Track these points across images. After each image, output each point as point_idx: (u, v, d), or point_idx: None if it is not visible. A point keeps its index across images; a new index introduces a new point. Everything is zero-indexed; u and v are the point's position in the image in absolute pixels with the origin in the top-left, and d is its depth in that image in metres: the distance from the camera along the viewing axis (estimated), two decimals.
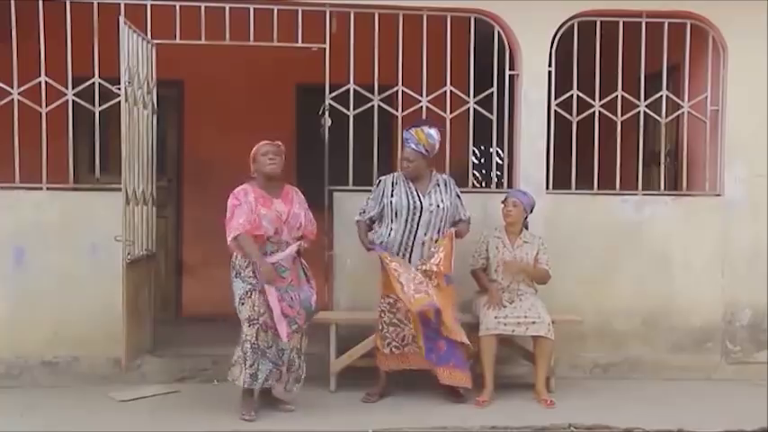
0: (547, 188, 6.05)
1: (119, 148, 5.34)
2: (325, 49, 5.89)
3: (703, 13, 6.11)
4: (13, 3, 5.64)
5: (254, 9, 5.77)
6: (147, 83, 5.76)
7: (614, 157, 6.15)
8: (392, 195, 5.28)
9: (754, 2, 6.05)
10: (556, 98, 6.03)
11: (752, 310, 6.20)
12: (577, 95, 6.06)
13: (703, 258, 6.17)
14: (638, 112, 6.16)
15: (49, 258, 5.64)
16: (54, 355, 5.68)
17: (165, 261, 7.34)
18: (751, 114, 6.14)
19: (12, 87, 5.65)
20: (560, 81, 6.04)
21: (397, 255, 5.22)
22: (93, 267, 5.63)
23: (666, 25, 6.11)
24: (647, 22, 6.11)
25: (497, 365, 5.43)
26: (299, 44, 5.85)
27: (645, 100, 6.14)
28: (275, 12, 5.75)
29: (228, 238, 4.81)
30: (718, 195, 6.21)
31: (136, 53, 5.52)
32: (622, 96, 6.09)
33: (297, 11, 5.82)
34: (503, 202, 5.59)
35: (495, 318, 5.33)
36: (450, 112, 6.03)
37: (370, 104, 5.97)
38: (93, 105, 5.73)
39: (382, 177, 5.44)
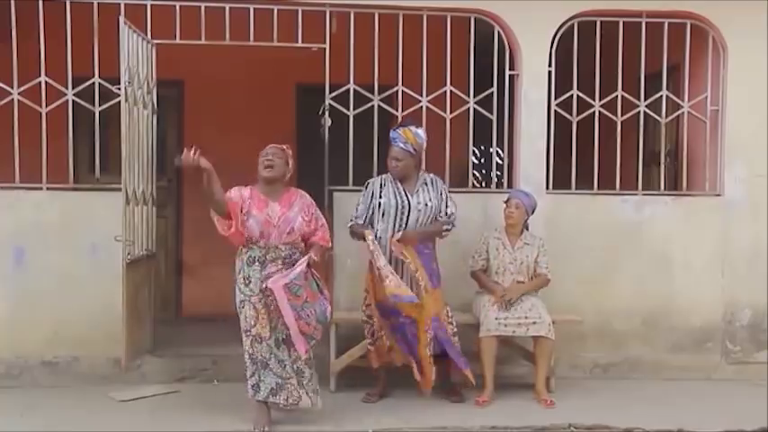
0: (547, 188, 6.05)
1: (119, 148, 5.35)
2: (325, 49, 5.89)
3: (703, 13, 6.11)
4: (13, 3, 5.64)
5: (254, 9, 5.77)
6: (147, 83, 5.76)
7: (614, 157, 6.15)
8: (380, 196, 5.28)
9: (754, 2, 6.05)
10: (556, 98, 6.03)
11: (752, 310, 6.20)
12: (577, 95, 6.06)
13: (703, 258, 6.17)
14: (638, 112, 6.16)
15: (49, 258, 5.64)
16: (54, 355, 5.68)
17: (165, 261, 7.35)
18: (751, 114, 6.14)
19: (12, 87, 5.65)
20: (560, 81, 6.04)
21: (385, 255, 5.15)
22: (93, 267, 5.63)
23: (666, 25, 6.12)
24: (647, 22, 6.11)
25: (497, 365, 5.43)
26: (299, 44, 5.85)
27: (645, 100, 6.14)
28: (275, 12, 5.75)
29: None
30: (718, 195, 6.22)
31: (136, 53, 5.52)
32: (622, 96, 6.09)
33: (297, 11, 5.82)
34: (505, 203, 5.58)
35: (496, 319, 5.33)
36: (451, 112, 6.03)
37: (370, 104, 5.97)
38: (93, 105, 5.73)
39: (370, 180, 5.42)
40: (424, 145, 5.37)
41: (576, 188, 6.10)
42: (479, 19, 6.05)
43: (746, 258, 6.17)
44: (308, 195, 4.93)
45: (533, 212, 5.63)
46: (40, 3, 5.64)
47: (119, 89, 5.36)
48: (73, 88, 5.69)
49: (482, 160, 9.30)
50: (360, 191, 5.65)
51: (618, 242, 6.10)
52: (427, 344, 5.16)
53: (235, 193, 4.71)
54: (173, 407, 5.23)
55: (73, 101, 5.70)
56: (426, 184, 5.33)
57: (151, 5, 5.74)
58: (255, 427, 4.72)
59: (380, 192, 5.30)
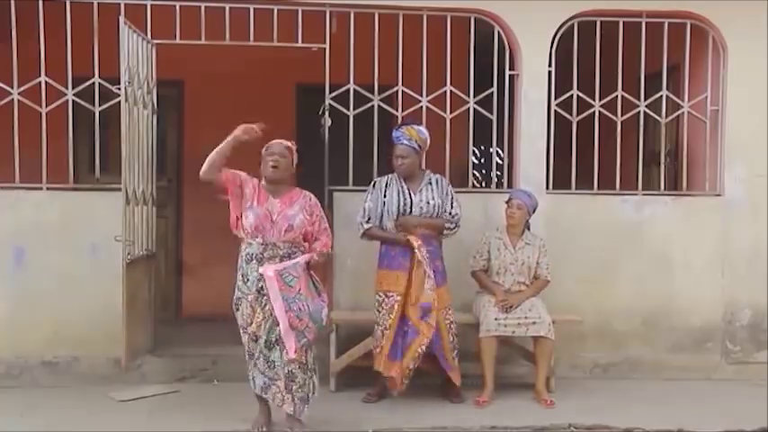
0: (547, 188, 6.05)
1: (119, 148, 5.35)
2: (325, 49, 5.89)
3: (703, 13, 6.11)
4: (13, 3, 5.64)
5: (254, 9, 5.77)
6: (147, 83, 5.76)
7: (614, 157, 6.15)
8: (385, 196, 5.32)
9: (754, 2, 6.05)
10: (556, 98, 6.03)
11: (752, 310, 6.19)
12: (577, 95, 6.06)
13: (703, 258, 6.17)
14: (638, 112, 6.16)
15: (49, 258, 5.64)
16: (54, 355, 5.68)
17: (165, 261, 7.34)
18: (751, 114, 6.14)
19: (12, 87, 5.65)
20: (560, 81, 6.04)
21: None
22: (93, 267, 5.63)
23: (666, 25, 6.12)
24: (647, 22, 6.11)
25: (497, 365, 5.43)
26: (299, 44, 5.85)
27: (645, 100, 6.14)
28: (275, 12, 5.75)
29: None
30: (718, 195, 6.21)
31: (136, 53, 5.52)
32: (622, 96, 6.09)
33: (297, 11, 5.82)
34: (506, 203, 5.58)
35: (496, 319, 5.33)
36: (451, 112, 6.03)
37: (370, 104, 5.97)
38: (93, 105, 5.73)
39: (377, 179, 5.46)
40: (428, 141, 5.41)
41: (576, 188, 6.10)
42: (479, 19, 6.05)
43: (746, 258, 6.17)
44: (314, 197, 4.81)
45: (534, 212, 5.63)
46: (40, 3, 5.64)
47: (119, 89, 5.37)
48: (73, 88, 5.69)
49: (482, 160, 9.31)
50: (360, 191, 5.66)
51: (618, 242, 6.10)
52: (447, 330, 5.24)
53: (235, 174, 4.69)
54: (173, 407, 5.23)
55: (73, 101, 5.70)
56: (431, 183, 5.35)
57: (151, 5, 5.74)
58: (254, 426, 4.72)
59: (385, 191, 5.33)
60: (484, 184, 9.00)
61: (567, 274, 5.88)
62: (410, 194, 5.29)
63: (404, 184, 5.33)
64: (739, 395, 5.75)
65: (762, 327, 6.20)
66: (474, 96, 6.08)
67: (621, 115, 6.11)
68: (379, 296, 5.29)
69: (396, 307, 5.20)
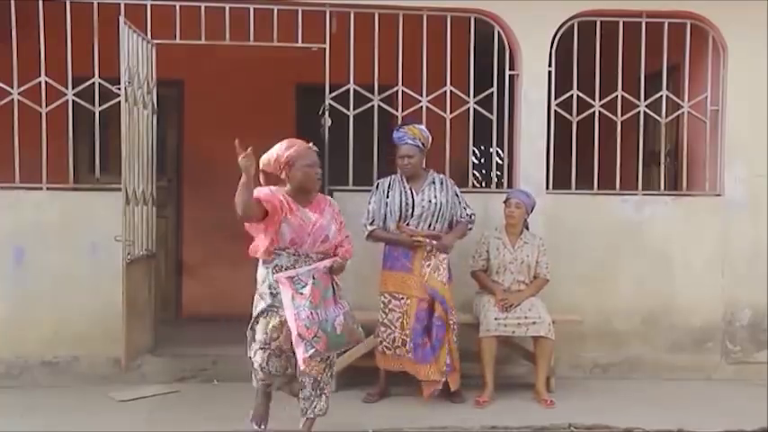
0: (547, 188, 6.05)
1: (119, 148, 5.35)
2: (325, 49, 5.89)
3: (703, 13, 6.10)
4: (13, 3, 5.64)
5: (254, 9, 5.77)
6: (147, 83, 5.76)
7: (614, 157, 6.15)
8: (387, 197, 5.35)
9: (754, 2, 6.05)
10: (556, 98, 6.03)
11: (752, 310, 6.19)
12: (577, 95, 6.06)
13: (703, 258, 6.17)
14: (638, 112, 6.16)
15: (49, 258, 5.64)
16: (54, 354, 5.68)
17: (165, 261, 7.34)
18: (751, 114, 6.14)
19: (12, 87, 5.65)
20: (560, 81, 6.04)
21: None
22: (93, 267, 5.63)
23: (666, 25, 6.11)
24: (647, 22, 6.11)
25: (497, 365, 5.44)
26: (299, 44, 5.85)
27: (645, 100, 6.14)
28: (275, 12, 5.75)
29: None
30: (718, 195, 6.21)
31: (136, 53, 5.52)
32: (622, 96, 6.09)
33: (297, 11, 5.81)
34: (505, 203, 5.59)
35: (496, 319, 5.33)
36: (451, 112, 6.03)
37: (370, 104, 5.97)
38: (93, 105, 5.73)
39: (379, 180, 5.49)
40: (430, 140, 5.44)
41: (576, 188, 6.10)
42: (479, 19, 6.05)
43: (746, 258, 6.17)
44: (335, 202, 4.57)
45: (532, 211, 5.64)
46: (40, 3, 5.63)
47: (119, 89, 5.37)
48: (73, 88, 5.69)
49: (482, 160, 9.31)
50: (360, 191, 5.67)
51: (618, 242, 6.10)
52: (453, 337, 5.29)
53: (270, 195, 4.24)
54: (173, 407, 5.23)
55: (73, 101, 5.70)
56: (434, 183, 5.38)
57: (151, 5, 5.74)
58: (254, 420, 4.56)
59: (388, 192, 5.37)
60: (484, 184, 9.00)
61: (567, 274, 5.88)
62: (412, 194, 5.32)
63: (406, 183, 5.35)
64: (739, 395, 5.75)
65: (762, 327, 6.20)
66: (474, 96, 6.08)
67: (621, 115, 6.11)
68: (385, 297, 5.30)
69: (409, 311, 5.21)
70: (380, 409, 5.23)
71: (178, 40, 5.75)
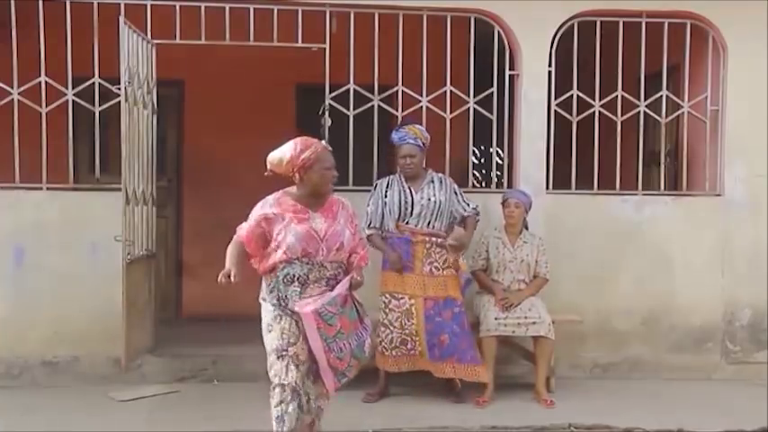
0: (547, 188, 6.05)
1: (119, 148, 5.35)
2: (325, 49, 5.89)
3: (703, 13, 6.11)
4: (12, 3, 5.64)
5: (254, 9, 5.77)
6: (147, 83, 5.76)
7: (614, 157, 6.15)
8: (386, 196, 5.38)
9: (754, 2, 6.05)
10: (556, 98, 6.03)
11: (752, 310, 6.19)
12: (577, 95, 6.06)
13: (703, 258, 6.17)
14: (638, 112, 6.16)
15: (48, 258, 5.64)
16: (54, 354, 5.68)
17: (165, 261, 7.34)
18: (751, 114, 6.14)
19: (12, 87, 5.64)
20: (560, 81, 6.04)
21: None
22: (92, 267, 5.63)
23: (666, 25, 6.11)
24: (647, 22, 6.11)
25: (497, 365, 5.44)
26: (299, 44, 5.85)
27: (645, 100, 6.14)
28: (275, 12, 5.75)
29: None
30: (718, 195, 6.21)
31: (136, 53, 5.52)
32: (622, 96, 6.09)
33: (297, 11, 5.81)
34: (503, 204, 5.60)
35: (496, 319, 5.33)
36: (451, 112, 6.03)
37: (370, 104, 5.97)
38: (93, 105, 5.73)
39: (378, 181, 5.51)
40: (429, 138, 5.47)
41: (576, 188, 6.10)
42: (479, 19, 6.05)
43: (746, 258, 6.17)
44: (349, 204, 4.12)
45: (529, 210, 5.65)
46: (40, 3, 5.63)
47: (119, 89, 5.36)
48: (73, 88, 5.69)
49: (482, 160, 9.31)
50: (360, 191, 5.66)
51: (618, 242, 6.10)
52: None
53: (253, 229, 3.89)
54: (173, 407, 5.23)
55: (73, 101, 5.70)
56: (433, 181, 5.41)
57: (151, 5, 5.74)
58: None
59: (386, 192, 5.39)
60: (484, 184, 9.00)
61: (568, 274, 5.88)
62: (411, 193, 5.34)
63: (405, 183, 5.36)
64: (739, 395, 5.75)
65: (762, 327, 6.20)
66: (474, 96, 6.08)
67: (621, 115, 6.11)
68: (386, 297, 5.31)
69: (413, 310, 5.22)
70: (380, 409, 5.23)
71: (178, 40, 5.75)
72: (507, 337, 5.49)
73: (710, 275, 6.16)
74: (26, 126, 5.68)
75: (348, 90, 5.93)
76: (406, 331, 5.23)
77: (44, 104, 5.66)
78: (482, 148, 8.90)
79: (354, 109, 5.95)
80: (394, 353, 5.28)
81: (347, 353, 3.85)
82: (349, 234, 3.96)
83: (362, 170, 5.94)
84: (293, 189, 3.94)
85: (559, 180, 6.09)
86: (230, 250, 3.97)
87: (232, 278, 3.81)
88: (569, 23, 6.00)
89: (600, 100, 6.09)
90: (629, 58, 6.11)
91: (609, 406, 5.35)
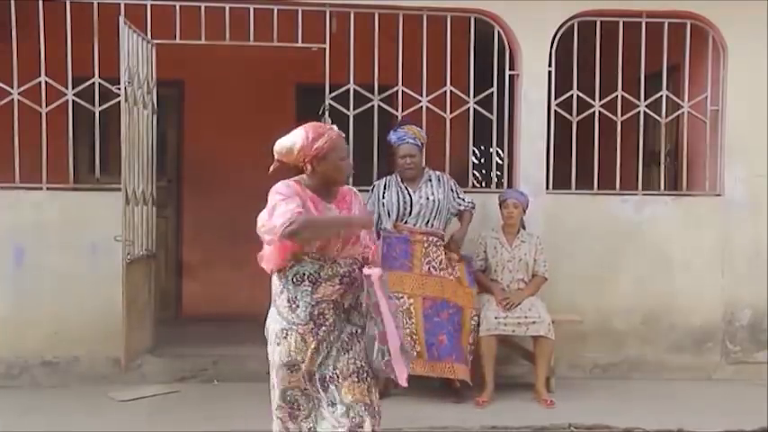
0: (547, 188, 6.05)
1: (119, 148, 5.35)
2: (325, 49, 5.89)
3: (703, 13, 6.10)
4: (12, 3, 5.64)
5: (254, 9, 5.77)
6: (147, 83, 5.76)
7: (614, 157, 6.15)
8: (383, 197, 5.41)
9: (754, 2, 6.05)
10: (556, 98, 6.03)
11: (752, 310, 6.19)
12: (577, 95, 6.06)
13: (703, 258, 6.17)
14: (638, 112, 6.16)
15: (48, 258, 5.64)
16: (54, 354, 5.68)
17: (165, 261, 7.34)
18: (751, 114, 6.14)
19: (12, 87, 5.65)
20: (560, 81, 6.04)
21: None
22: (92, 267, 5.63)
23: (666, 25, 6.11)
24: (647, 22, 6.11)
25: (497, 365, 5.44)
26: (299, 44, 5.85)
27: (645, 100, 6.14)
28: (275, 12, 5.75)
29: (278, 235, 3.26)
30: (718, 195, 6.21)
31: (136, 53, 5.52)
32: (622, 96, 6.09)
33: (297, 11, 5.81)
34: (501, 204, 5.60)
35: (495, 318, 5.33)
36: (451, 112, 6.03)
37: (370, 104, 5.97)
38: (93, 105, 5.73)
39: (376, 182, 5.55)
40: (426, 138, 5.52)
41: (576, 188, 6.10)
42: (479, 19, 6.05)
43: (746, 258, 6.17)
44: (358, 193, 3.74)
45: (527, 209, 5.67)
46: (40, 3, 5.64)
47: (119, 89, 5.36)
48: (73, 88, 5.69)
49: (482, 160, 9.30)
50: (360, 191, 5.64)
51: (618, 242, 6.10)
52: (470, 331, 5.31)
53: (296, 203, 3.37)
54: (173, 407, 5.23)
55: (73, 101, 5.70)
56: (431, 180, 5.43)
57: (151, 5, 5.74)
58: None
59: (384, 192, 5.42)
60: (484, 184, 9.00)
61: (567, 274, 5.88)
62: (409, 193, 5.36)
63: (402, 183, 5.38)
64: (739, 395, 5.75)
65: (762, 327, 6.20)
66: (474, 96, 6.08)
67: (621, 115, 6.11)
68: None
69: (412, 309, 5.23)
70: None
71: (178, 40, 5.75)
72: (507, 337, 5.49)
73: (710, 275, 6.16)
74: (26, 126, 5.68)
75: (348, 90, 5.92)
76: (406, 330, 5.23)
77: (44, 104, 5.66)
78: (482, 147, 8.89)
79: (354, 109, 5.94)
80: None
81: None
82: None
83: (362, 170, 5.92)
84: (305, 178, 3.53)
85: (559, 180, 6.09)
86: (319, 223, 3.42)
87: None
88: (569, 23, 6.00)
89: (600, 100, 6.09)
90: (629, 58, 6.11)
91: (609, 406, 5.35)
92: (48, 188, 5.71)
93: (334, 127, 3.65)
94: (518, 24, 5.99)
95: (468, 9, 6.02)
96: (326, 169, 3.49)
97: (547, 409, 5.25)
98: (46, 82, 5.67)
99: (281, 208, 3.33)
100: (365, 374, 3.48)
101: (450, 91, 6.03)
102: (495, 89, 6.06)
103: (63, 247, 5.65)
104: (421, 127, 5.68)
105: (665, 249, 6.14)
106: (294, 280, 3.44)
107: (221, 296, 7.21)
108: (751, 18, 6.09)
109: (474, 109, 6.09)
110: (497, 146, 6.29)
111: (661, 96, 6.15)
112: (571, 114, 6.05)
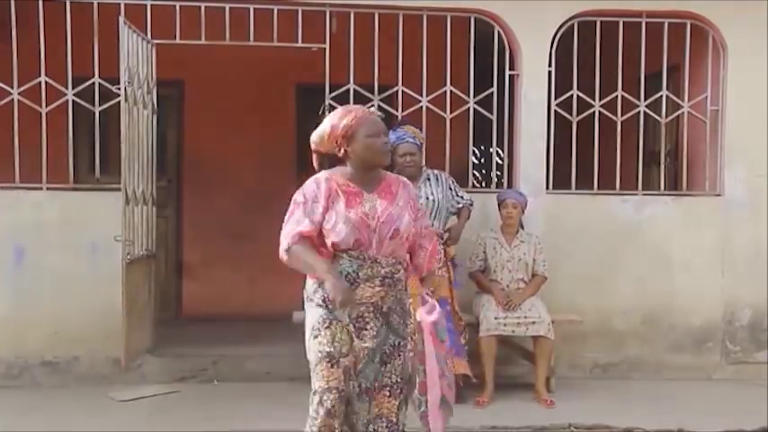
0: (547, 188, 6.05)
1: (119, 148, 5.35)
2: (325, 49, 5.89)
3: (703, 13, 6.10)
4: (12, 3, 5.64)
5: (254, 9, 5.77)
6: (147, 83, 5.76)
7: (614, 157, 6.15)
8: None
9: (754, 2, 6.05)
10: (556, 98, 6.03)
11: (752, 310, 6.19)
12: (577, 95, 6.06)
13: (703, 258, 6.17)
14: (638, 112, 6.16)
15: (48, 258, 5.64)
16: (54, 354, 5.68)
17: (165, 261, 7.34)
18: (751, 114, 6.13)
19: (12, 87, 5.64)
20: (560, 81, 6.04)
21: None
22: (92, 267, 5.62)
23: (666, 25, 6.11)
24: (647, 22, 6.11)
25: (497, 365, 5.43)
26: (299, 44, 5.85)
27: (645, 100, 6.13)
28: (275, 12, 5.75)
29: (281, 252, 3.21)
30: (718, 195, 6.21)
31: (136, 53, 5.52)
32: (622, 96, 6.09)
33: (297, 11, 5.81)
34: (500, 205, 5.60)
35: (495, 318, 5.34)
36: (451, 112, 6.03)
37: (370, 104, 5.96)
38: (93, 105, 5.73)
39: None
40: (425, 138, 5.53)
41: (576, 188, 6.10)
42: (479, 19, 6.05)
43: (746, 258, 6.17)
44: (411, 186, 3.43)
45: (525, 209, 5.66)
46: (40, 3, 5.63)
47: (119, 89, 5.36)
48: (73, 88, 5.69)
49: (482, 160, 9.31)
50: None
51: (618, 242, 6.10)
52: (462, 331, 5.33)
53: (308, 217, 3.21)
54: (173, 407, 5.22)
55: (73, 101, 5.70)
56: (429, 180, 5.42)
57: (151, 5, 5.74)
58: None
59: None
60: (484, 184, 9.00)
61: (567, 274, 5.88)
62: None
63: None
64: (739, 395, 5.75)
65: (762, 327, 6.20)
66: (474, 96, 6.08)
67: (621, 115, 6.11)
68: None
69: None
70: None
71: (178, 40, 5.75)
72: (507, 337, 5.49)
73: (710, 275, 6.16)
74: (26, 126, 5.68)
75: (348, 90, 5.92)
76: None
77: (44, 104, 5.66)
78: (482, 147, 8.90)
79: None
80: None
81: (452, 380, 3.31)
82: (408, 219, 3.26)
83: None
84: (346, 169, 3.29)
85: (559, 180, 6.09)
86: (305, 258, 3.17)
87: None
88: (569, 23, 6.00)
89: (600, 100, 6.09)
90: (629, 57, 6.11)
91: (609, 406, 5.35)
92: (48, 188, 5.71)
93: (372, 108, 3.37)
94: (518, 24, 5.99)
95: (468, 9, 6.02)
96: (358, 149, 3.22)
97: (547, 409, 5.25)
98: (46, 82, 5.67)
99: (292, 222, 3.21)
100: (398, 390, 3.29)
101: (450, 91, 6.03)
102: (495, 89, 6.05)
103: (63, 247, 5.65)
104: (420, 127, 5.68)
105: (665, 249, 6.14)
106: None
107: (221, 296, 7.21)
108: (751, 18, 6.08)
109: (474, 109, 6.09)
110: (497, 146, 6.29)
111: (661, 96, 6.15)
112: (571, 114, 6.05)
